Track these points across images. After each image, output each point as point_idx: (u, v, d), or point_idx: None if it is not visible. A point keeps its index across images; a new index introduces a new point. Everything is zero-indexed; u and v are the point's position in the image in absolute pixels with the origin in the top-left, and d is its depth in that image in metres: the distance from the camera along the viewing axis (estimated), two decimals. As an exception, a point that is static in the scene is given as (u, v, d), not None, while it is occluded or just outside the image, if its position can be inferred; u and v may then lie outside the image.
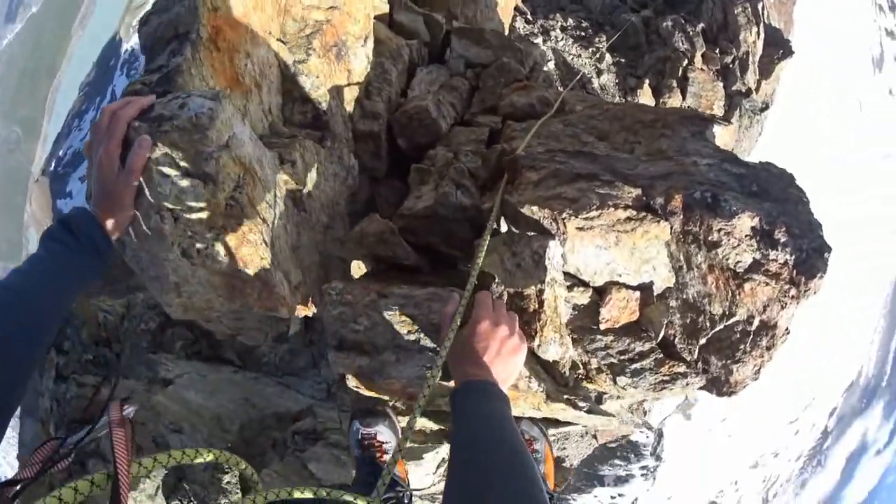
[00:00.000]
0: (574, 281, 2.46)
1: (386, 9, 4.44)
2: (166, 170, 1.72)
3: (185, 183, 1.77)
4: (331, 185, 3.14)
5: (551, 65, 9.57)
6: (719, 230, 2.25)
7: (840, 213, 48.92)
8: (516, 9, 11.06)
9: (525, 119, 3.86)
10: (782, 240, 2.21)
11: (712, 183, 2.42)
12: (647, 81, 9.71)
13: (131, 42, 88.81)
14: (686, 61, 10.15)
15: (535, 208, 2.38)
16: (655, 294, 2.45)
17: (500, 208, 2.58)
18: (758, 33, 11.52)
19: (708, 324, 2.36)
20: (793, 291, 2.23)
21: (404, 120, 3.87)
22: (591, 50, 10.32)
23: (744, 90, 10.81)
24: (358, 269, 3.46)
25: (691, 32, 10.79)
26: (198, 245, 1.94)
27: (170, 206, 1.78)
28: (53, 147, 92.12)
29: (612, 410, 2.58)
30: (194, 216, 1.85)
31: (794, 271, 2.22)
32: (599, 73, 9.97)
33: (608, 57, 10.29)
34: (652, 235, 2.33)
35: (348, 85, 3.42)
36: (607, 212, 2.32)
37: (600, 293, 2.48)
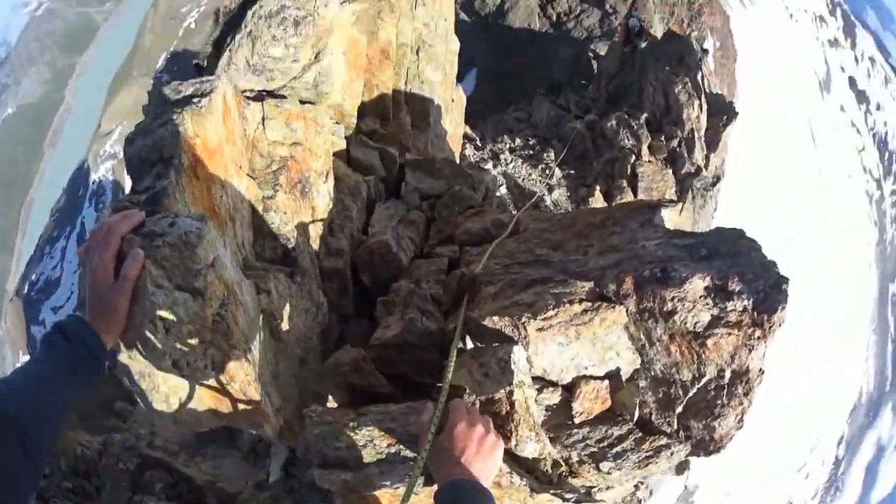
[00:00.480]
0: (543, 383, 2.67)
1: (343, 144, 4.95)
2: (159, 282, 1.92)
3: (176, 295, 1.97)
4: (303, 320, 3.38)
5: (503, 189, 10.19)
6: (672, 299, 2.52)
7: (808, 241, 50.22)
8: (465, 136, 11.91)
9: (481, 243, 4.24)
10: (737, 289, 2.47)
11: (660, 259, 2.73)
12: (597, 188, 10.35)
13: (99, 172, 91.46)
14: (633, 157, 10.87)
15: (495, 318, 2.63)
16: (624, 378, 2.69)
17: (464, 325, 2.81)
18: (700, 106, 12.34)
19: (681, 392, 2.56)
20: (758, 332, 2.45)
21: (366, 256, 4.24)
22: (540, 168, 11.07)
23: (693, 170, 11.45)
24: (333, 404, 3.63)
25: (636, 126, 11.60)
26: (188, 357, 2.11)
27: (162, 315, 1.95)
28: (26, 269, 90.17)
29: (606, 499, 2.71)
30: (184, 328, 2.04)
31: (755, 312, 2.45)
32: (551, 189, 10.63)
33: (558, 172, 11.03)
34: (610, 322, 2.57)
35: (313, 221, 3.78)
36: (563, 309, 2.58)
37: (570, 389, 2.69)
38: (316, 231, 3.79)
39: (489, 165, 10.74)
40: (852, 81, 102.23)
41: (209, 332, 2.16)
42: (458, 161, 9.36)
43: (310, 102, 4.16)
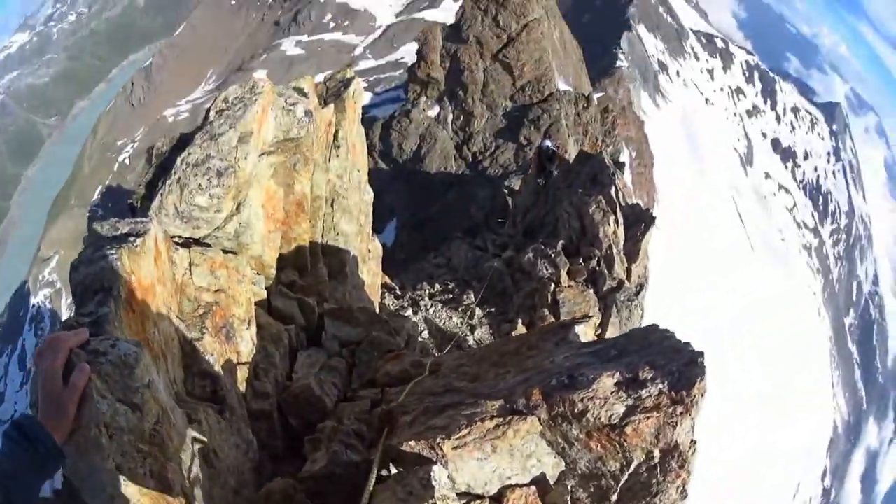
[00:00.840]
0: (470, 497, 2.87)
1: (264, 294, 5.27)
2: (104, 393, 2.22)
3: (117, 406, 2.28)
4: (234, 454, 3.54)
5: (425, 334, 10.48)
6: (582, 399, 2.80)
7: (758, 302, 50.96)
8: (385, 286, 12.30)
9: (402, 384, 4.48)
10: (648, 376, 2.77)
11: (568, 369, 3.05)
12: (520, 321, 10.74)
13: (38, 297, 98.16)
14: (553, 285, 11.37)
15: (412, 443, 2.91)
16: (552, 481, 2.92)
17: (385, 454, 3.08)
18: (616, 221, 13.00)
19: (612, 482, 2.80)
20: (679, 409, 2.70)
21: (291, 399, 4.49)
22: (461, 310, 11.49)
23: (615, 284, 11.95)
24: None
25: (552, 254, 12.21)
26: (128, 463, 2.35)
27: (106, 422, 2.22)
28: None
29: None
30: (125, 437, 2.32)
31: (672, 392, 2.72)
32: (473, 329, 11.00)
33: (478, 311, 11.46)
34: (524, 432, 2.84)
35: (239, 364, 4.02)
36: (476, 426, 2.86)
37: (498, 500, 2.89)
38: (242, 374, 4.01)
39: (409, 313, 11.06)
40: (776, 144, 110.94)
41: (147, 443, 2.44)
42: (377, 310, 9.65)
43: (232, 252, 4.50)
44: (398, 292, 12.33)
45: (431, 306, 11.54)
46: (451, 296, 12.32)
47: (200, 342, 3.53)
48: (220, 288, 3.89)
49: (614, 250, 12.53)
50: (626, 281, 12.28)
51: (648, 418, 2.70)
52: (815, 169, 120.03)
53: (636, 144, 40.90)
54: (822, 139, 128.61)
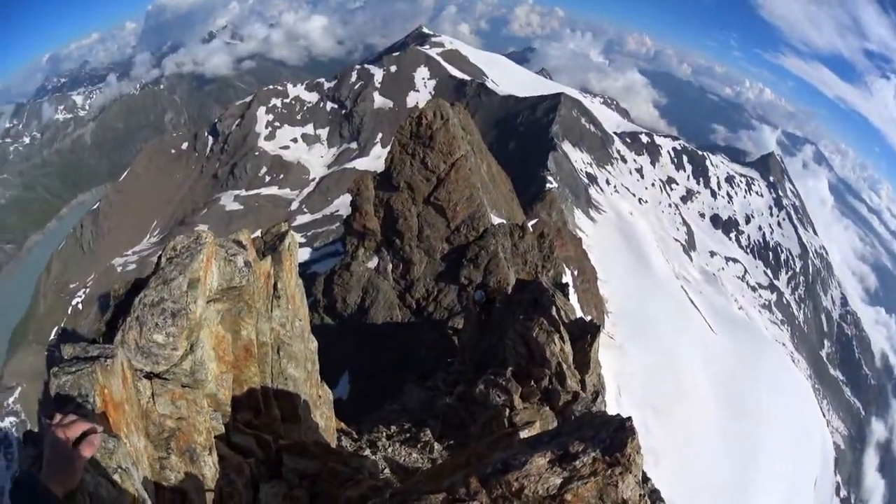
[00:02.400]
0: None
1: (222, 430, 5.56)
2: (88, 468, 2.62)
3: (100, 479, 2.69)
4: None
5: (387, 471, 10.55)
6: (517, 479, 3.12)
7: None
8: (341, 430, 12.38)
9: (363, 509, 4.83)
10: (580, 449, 3.12)
11: (503, 459, 3.39)
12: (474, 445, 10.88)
13: (5, 422, 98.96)
14: (508, 410, 11.60)
15: None
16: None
17: None
18: (561, 338, 13.34)
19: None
20: (618, 469, 3.01)
21: None
22: (419, 446, 11.63)
23: (570, 397, 12.20)
24: None
25: (503, 381, 12.48)
26: None
27: (89, 491, 2.61)
28: None
29: None
30: None
31: (607, 456, 3.04)
32: (433, 462, 11.09)
33: (437, 445, 11.61)
34: (468, 519, 3.14)
35: (206, 489, 4.28)
36: None
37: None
38: (209, 496, 4.28)
39: (367, 453, 11.14)
40: (715, 220, 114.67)
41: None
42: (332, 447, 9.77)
43: (189, 387, 4.86)
44: (355, 436, 12.40)
45: (390, 446, 11.65)
46: (408, 435, 12.44)
47: (167, 460, 3.86)
48: (181, 416, 4.25)
49: (564, 366, 12.85)
50: (581, 391, 12.58)
51: (587, 483, 2.98)
52: (760, 228, 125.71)
53: (577, 262, 42.15)
54: (762, 196, 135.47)
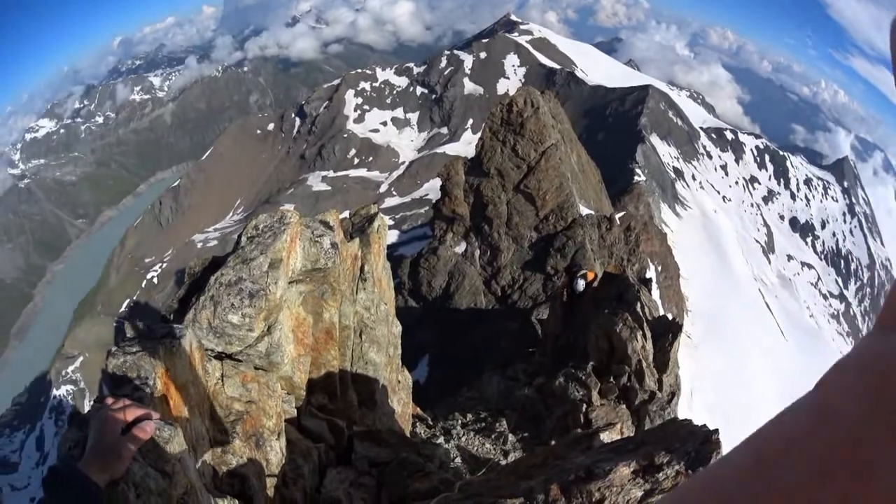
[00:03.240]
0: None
1: (294, 413, 5.47)
2: (137, 457, 2.49)
3: (148, 470, 2.56)
4: (258, 553, 3.69)
5: (458, 460, 10.45)
6: (599, 489, 2.93)
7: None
8: (416, 416, 12.35)
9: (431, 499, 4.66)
10: (665, 460, 2.93)
11: (586, 465, 3.19)
12: (553, 443, 10.65)
13: (60, 391, 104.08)
14: (585, 405, 11.36)
15: None
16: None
17: None
18: (643, 336, 13.05)
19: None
20: None
21: None
22: (493, 437, 11.46)
23: (647, 396, 11.87)
24: None
25: (583, 376, 12.25)
26: None
27: (135, 482, 2.49)
28: None
29: None
30: (153, 499, 2.55)
31: (690, 470, 2.88)
32: (506, 454, 10.91)
33: (511, 437, 11.42)
34: (545, 528, 2.98)
35: (269, 475, 4.18)
36: None
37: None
38: (271, 481, 4.18)
39: (441, 440, 11.07)
40: (794, 223, 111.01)
41: (176, 512, 2.67)
42: (406, 435, 9.70)
43: (263, 370, 4.79)
44: (430, 422, 12.36)
45: (464, 434, 11.54)
46: (483, 424, 12.32)
47: (231, 445, 3.77)
48: (251, 399, 4.17)
49: (644, 364, 12.61)
50: (657, 392, 12.28)
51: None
52: (834, 234, 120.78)
53: (661, 258, 41.33)
54: (836, 201, 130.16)
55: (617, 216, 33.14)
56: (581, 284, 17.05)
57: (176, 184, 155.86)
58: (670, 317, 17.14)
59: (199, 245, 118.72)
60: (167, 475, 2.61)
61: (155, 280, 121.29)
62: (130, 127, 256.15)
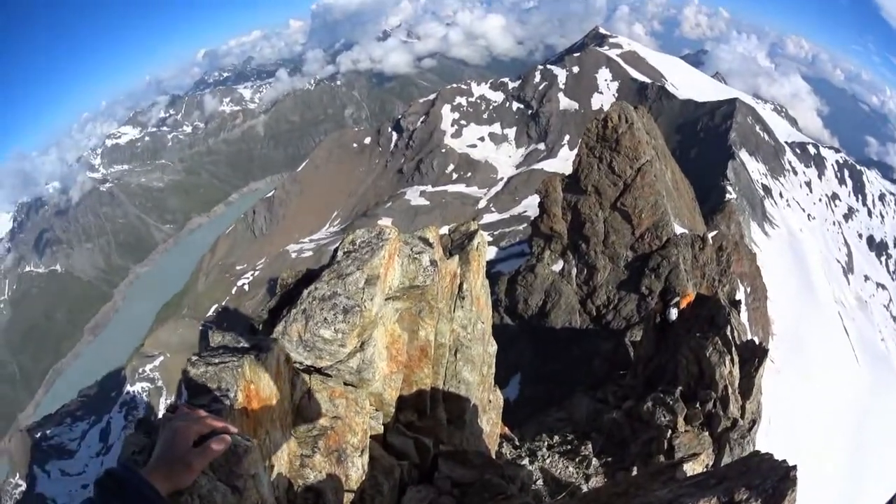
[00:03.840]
0: None
1: (380, 429, 5.49)
2: (206, 471, 2.48)
3: (217, 484, 2.53)
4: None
5: (540, 482, 10.27)
6: None
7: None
8: (503, 436, 12.22)
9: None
10: (744, 497, 2.84)
11: (668, 499, 3.13)
12: (635, 469, 10.38)
13: (135, 387, 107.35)
14: (670, 432, 11.03)
15: None
16: None
17: None
18: (731, 361, 12.65)
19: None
20: None
21: None
22: (577, 460, 11.23)
23: (729, 424, 11.47)
24: None
25: (671, 401, 11.93)
26: None
27: (200, 494, 2.46)
28: (43, 420, 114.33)
29: None
30: None
31: None
32: (588, 478, 10.69)
33: (595, 461, 11.15)
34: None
35: (347, 490, 4.18)
36: None
37: None
38: (348, 497, 4.19)
39: (525, 462, 10.94)
40: (871, 241, 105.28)
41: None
42: (493, 457, 9.57)
43: (353, 385, 4.78)
44: (517, 443, 12.25)
45: (549, 456, 11.38)
46: (569, 447, 12.12)
47: (311, 459, 3.79)
48: (337, 415, 4.18)
49: (729, 390, 12.32)
50: (739, 419, 11.91)
51: (745, 532, 2.74)
52: None
53: (750, 279, 40.05)
54: None
55: (710, 235, 32.17)
56: (674, 314, 16.66)
57: (270, 194, 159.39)
58: (757, 341, 16.51)
59: (294, 255, 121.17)
60: (237, 490, 2.60)
61: (246, 287, 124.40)
62: (221, 137, 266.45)
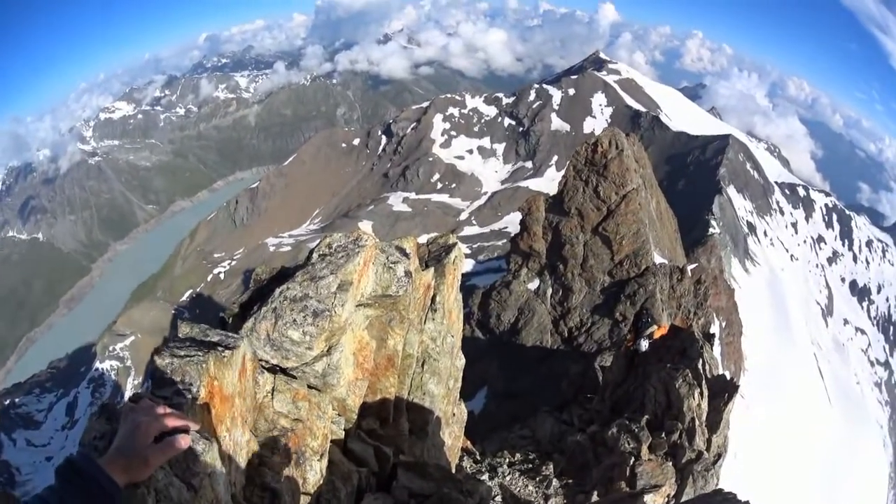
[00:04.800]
0: None
1: (341, 435, 5.49)
2: (164, 466, 2.52)
3: (173, 480, 2.59)
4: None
5: (499, 499, 10.28)
6: None
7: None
8: (465, 449, 12.24)
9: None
10: None
11: None
12: (595, 493, 10.42)
13: (104, 364, 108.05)
14: (633, 459, 11.10)
15: None
16: None
17: None
18: (700, 394, 12.80)
19: None
20: None
21: None
22: (538, 479, 11.27)
23: (694, 456, 11.56)
24: None
25: (636, 429, 12.02)
26: None
27: (157, 488, 2.51)
28: (13, 388, 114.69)
29: None
30: None
31: None
32: (547, 498, 10.73)
33: (555, 482, 11.19)
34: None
35: (303, 492, 4.20)
36: None
37: None
38: (304, 500, 4.20)
39: (485, 477, 10.97)
40: (853, 286, 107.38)
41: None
42: (454, 471, 9.57)
43: (316, 389, 4.79)
44: (478, 457, 12.27)
45: (509, 473, 11.41)
46: (530, 465, 12.16)
47: (269, 459, 3.80)
48: (298, 417, 4.19)
49: (696, 422, 12.43)
50: (705, 452, 12.02)
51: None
52: (887, 299, 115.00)
53: (726, 314, 40.72)
54: (892, 265, 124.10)
55: (689, 268, 32.55)
56: (645, 345, 16.80)
57: (255, 185, 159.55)
58: (728, 376, 16.76)
59: (272, 249, 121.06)
60: (193, 488, 2.63)
61: (221, 276, 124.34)
62: (212, 123, 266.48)
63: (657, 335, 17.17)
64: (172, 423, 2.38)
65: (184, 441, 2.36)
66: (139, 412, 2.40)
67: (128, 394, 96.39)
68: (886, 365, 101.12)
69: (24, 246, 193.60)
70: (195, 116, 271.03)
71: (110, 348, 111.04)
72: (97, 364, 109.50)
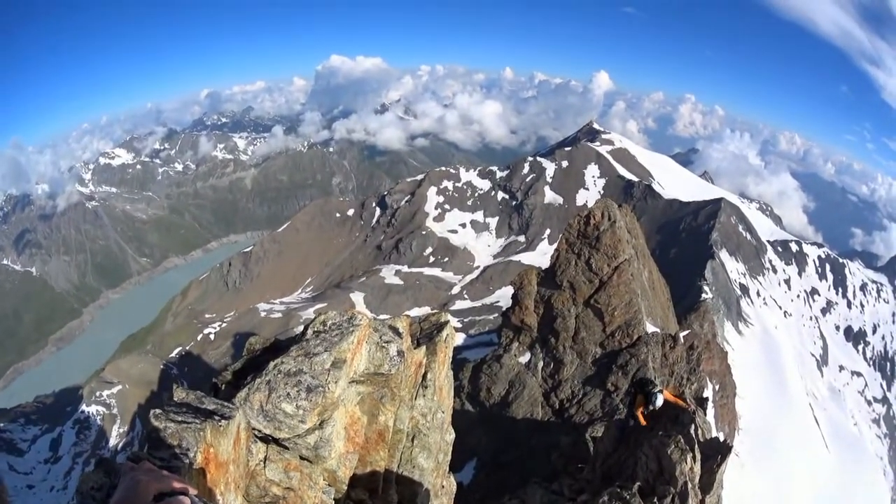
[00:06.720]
0: None
1: (331, 504, 5.60)
2: None
3: None
4: None
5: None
6: None
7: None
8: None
9: None
10: None
11: None
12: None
13: (90, 408, 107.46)
14: None
15: None
16: None
17: None
18: (693, 458, 12.78)
19: None
20: None
21: None
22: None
23: None
24: None
25: (628, 496, 11.99)
26: None
27: None
28: None
29: None
30: None
31: None
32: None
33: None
34: None
35: (298, 558, 4.37)
36: None
37: None
38: (301, 564, 4.35)
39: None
40: (848, 332, 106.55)
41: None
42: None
43: (308, 460, 4.98)
44: (469, 530, 12.19)
45: (499, 544, 11.35)
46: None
47: (261, 525, 4.00)
48: (290, 486, 4.39)
49: (689, 485, 12.41)
50: None
51: None
52: (883, 338, 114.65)
53: (720, 377, 40.67)
54: (888, 302, 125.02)
55: (682, 334, 32.69)
56: (660, 400, 16.73)
57: (248, 249, 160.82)
58: (721, 437, 16.74)
59: (263, 314, 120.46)
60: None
61: (211, 336, 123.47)
62: (209, 182, 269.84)
63: (667, 394, 17.14)
64: (172, 485, 2.50)
65: (183, 502, 2.46)
66: (139, 471, 2.54)
67: (112, 441, 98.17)
68: (884, 400, 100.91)
69: (17, 277, 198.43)
70: (192, 174, 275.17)
71: (97, 393, 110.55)
72: (83, 406, 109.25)
